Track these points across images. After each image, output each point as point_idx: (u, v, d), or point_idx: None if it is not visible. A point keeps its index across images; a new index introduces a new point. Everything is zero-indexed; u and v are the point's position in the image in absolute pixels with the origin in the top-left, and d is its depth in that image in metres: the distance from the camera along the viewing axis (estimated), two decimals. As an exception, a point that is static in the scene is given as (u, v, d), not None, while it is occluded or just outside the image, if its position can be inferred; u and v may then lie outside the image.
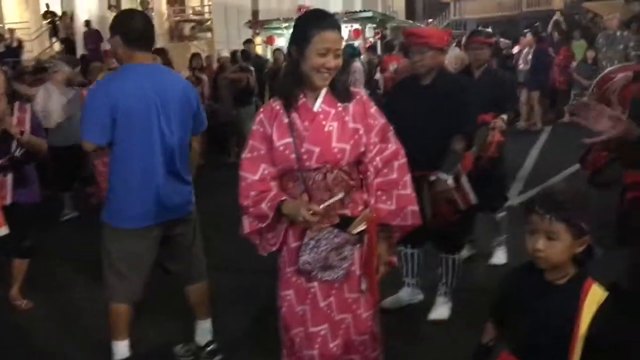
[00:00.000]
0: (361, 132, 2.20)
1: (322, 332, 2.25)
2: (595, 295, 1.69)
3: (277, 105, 2.24)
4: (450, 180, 3.26)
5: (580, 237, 1.70)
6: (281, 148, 2.19)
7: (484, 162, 4.05)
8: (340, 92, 2.23)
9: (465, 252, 4.53)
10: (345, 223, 2.20)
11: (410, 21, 22.81)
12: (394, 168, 2.25)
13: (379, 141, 2.24)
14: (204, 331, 3.12)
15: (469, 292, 3.81)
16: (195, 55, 9.41)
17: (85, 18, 14.73)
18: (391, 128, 2.30)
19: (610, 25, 8.90)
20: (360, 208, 2.23)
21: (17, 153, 3.76)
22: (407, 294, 3.81)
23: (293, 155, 2.16)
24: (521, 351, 1.78)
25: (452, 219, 3.39)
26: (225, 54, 9.86)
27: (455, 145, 3.29)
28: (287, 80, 2.24)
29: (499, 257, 4.44)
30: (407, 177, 2.28)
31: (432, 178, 3.29)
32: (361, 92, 2.31)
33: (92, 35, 14.12)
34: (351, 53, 9.13)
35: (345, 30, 16.77)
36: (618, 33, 8.72)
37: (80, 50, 14.29)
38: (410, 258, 3.72)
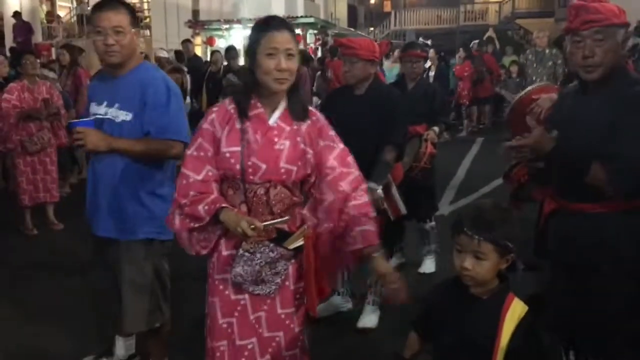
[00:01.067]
0: (309, 155, 2.14)
1: (249, 347, 2.19)
2: (516, 310, 1.73)
3: (231, 108, 2.15)
4: (379, 190, 3.28)
5: (505, 255, 1.74)
6: (227, 155, 2.11)
7: (416, 173, 4.13)
8: (297, 109, 2.16)
9: (394, 261, 4.59)
10: (282, 238, 2.15)
11: (352, 29, 23.04)
12: (357, 191, 2.19)
13: (339, 165, 2.18)
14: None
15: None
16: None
17: (15, 10, 14.14)
18: (350, 154, 2.23)
19: (540, 43, 9.26)
20: (298, 224, 2.19)
21: None
22: (338, 302, 3.83)
23: (238, 166, 2.09)
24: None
25: (380, 228, 3.40)
26: (164, 53, 9.61)
27: (386, 155, 3.32)
28: (242, 88, 2.19)
29: (428, 266, 4.51)
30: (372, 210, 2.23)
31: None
32: (317, 113, 2.24)
33: (22, 27, 13.57)
34: (306, 58, 9.11)
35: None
36: (547, 51, 9.10)
37: (9, 43, 13.69)
38: None
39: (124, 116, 2.59)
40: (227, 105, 2.16)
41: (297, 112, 2.16)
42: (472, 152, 9.52)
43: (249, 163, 2.09)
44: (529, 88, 3.61)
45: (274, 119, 2.14)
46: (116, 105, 2.60)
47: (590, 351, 2.37)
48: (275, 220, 2.09)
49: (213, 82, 8.84)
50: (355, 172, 2.21)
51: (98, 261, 2.82)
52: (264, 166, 2.09)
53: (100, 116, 2.62)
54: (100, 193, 2.64)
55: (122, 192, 2.61)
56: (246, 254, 2.10)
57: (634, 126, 2.09)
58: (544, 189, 2.49)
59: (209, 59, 11.14)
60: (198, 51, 13.03)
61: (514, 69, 10.56)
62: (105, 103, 2.63)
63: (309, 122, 2.18)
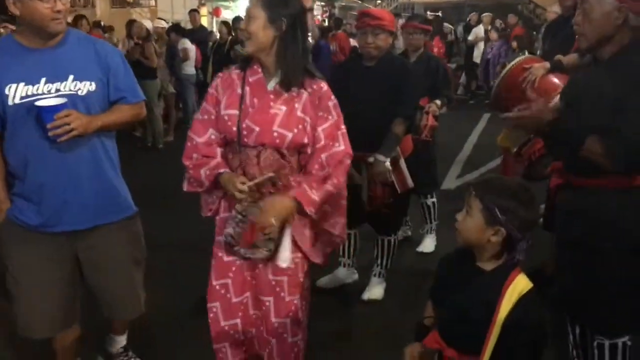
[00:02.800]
0: (307, 123, 2.15)
1: (244, 301, 2.29)
2: (518, 286, 1.72)
3: (234, 74, 2.24)
4: (387, 163, 3.28)
5: (492, 225, 1.72)
6: (226, 117, 2.18)
7: (417, 145, 4.11)
8: (287, 78, 2.16)
9: (401, 234, 4.61)
10: None
11: (359, 1, 22.75)
12: (340, 171, 2.21)
13: (326, 137, 2.18)
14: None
15: (401, 275, 3.88)
16: (133, 23, 8.75)
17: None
18: (343, 127, 2.24)
19: (551, 18, 9.12)
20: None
21: None
22: (343, 274, 3.85)
23: (235, 129, 2.16)
24: (447, 332, 1.81)
25: (387, 201, 3.42)
26: (162, 23, 9.44)
27: (395, 128, 3.30)
28: (248, 57, 2.23)
29: (428, 245, 4.48)
30: (342, 180, 2.26)
31: (371, 160, 3.31)
32: (323, 81, 2.24)
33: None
34: (322, 31, 8.98)
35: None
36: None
37: None
38: (347, 238, 3.74)
39: (88, 87, 2.28)
40: (232, 71, 2.25)
41: (286, 81, 2.16)
42: (478, 127, 9.47)
43: (244, 125, 2.15)
44: (518, 58, 3.58)
45: (272, 85, 2.19)
46: (70, 77, 2.24)
47: (593, 327, 2.39)
48: (261, 178, 2.12)
49: (219, 54, 8.77)
50: (340, 146, 2.20)
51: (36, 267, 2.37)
52: (257, 129, 2.15)
53: (55, 94, 2.22)
54: (75, 184, 2.29)
55: (105, 172, 2.38)
56: (238, 215, 2.16)
57: (634, 100, 2.06)
58: (557, 163, 2.47)
59: (214, 29, 11.04)
60: (203, 22, 12.92)
61: (514, 43, 10.47)
62: (44, 80, 2.21)
63: (310, 90, 2.18)
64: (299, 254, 2.26)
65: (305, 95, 2.17)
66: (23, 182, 2.29)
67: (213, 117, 2.22)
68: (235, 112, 2.16)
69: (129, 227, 2.48)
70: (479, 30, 12.40)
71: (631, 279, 2.23)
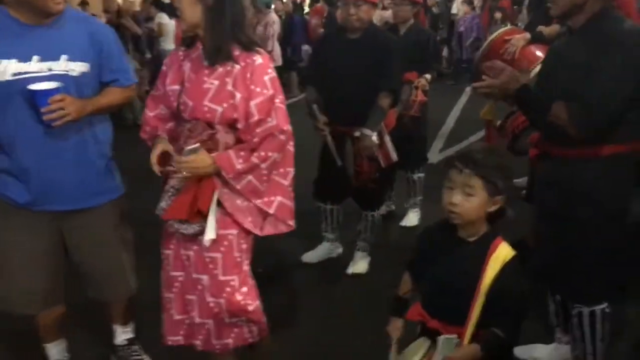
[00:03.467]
0: (237, 97, 2.10)
1: (179, 279, 2.28)
2: (501, 254, 1.74)
3: (181, 51, 2.26)
4: (374, 137, 3.27)
5: (494, 196, 1.75)
6: (169, 93, 2.22)
7: (405, 121, 4.09)
8: (221, 49, 2.11)
9: (384, 209, 4.62)
10: None
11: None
12: (270, 145, 2.13)
13: (259, 112, 2.11)
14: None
15: (385, 249, 3.90)
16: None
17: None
18: (278, 101, 2.15)
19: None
20: None
21: None
22: (327, 248, 3.87)
23: (175, 104, 2.19)
24: (430, 304, 1.84)
25: (373, 176, 3.42)
26: None
27: (381, 101, 3.29)
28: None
29: (411, 219, 4.49)
30: (288, 170, 2.22)
31: (357, 134, 3.30)
32: (260, 55, 2.15)
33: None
34: (265, 2, 8.87)
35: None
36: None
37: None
38: (330, 214, 3.75)
39: (81, 67, 2.23)
40: (181, 49, 2.27)
41: (210, 55, 2.13)
42: (461, 100, 9.49)
43: (181, 100, 2.18)
44: (499, 30, 3.58)
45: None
46: (62, 57, 2.19)
47: (571, 296, 2.44)
48: (188, 148, 2.08)
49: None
50: (272, 121, 2.13)
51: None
52: (191, 103, 2.15)
53: (44, 73, 2.17)
54: (63, 166, 2.26)
55: (92, 155, 2.34)
56: (171, 189, 2.18)
57: (602, 66, 2.08)
58: (535, 135, 2.49)
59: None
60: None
61: (498, 15, 10.47)
62: (37, 58, 2.16)
63: (243, 64, 2.12)
64: (234, 230, 2.19)
65: (237, 69, 2.12)
66: (10, 159, 2.25)
67: (162, 92, 2.27)
68: (177, 87, 2.19)
69: (115, 208, 2.45)
70: (459, 4, 12.32)
71: (606, 248, 2.27)
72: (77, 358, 2.68)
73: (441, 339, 1.75)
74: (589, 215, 2.23)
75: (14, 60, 2.15)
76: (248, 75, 2.11)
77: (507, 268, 1.73)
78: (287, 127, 2.17)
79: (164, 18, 8.51)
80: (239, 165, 2.10)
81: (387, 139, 3.45)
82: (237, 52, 2.13)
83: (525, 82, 2.23)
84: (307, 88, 3.61)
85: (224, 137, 2.15)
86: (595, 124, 2.11)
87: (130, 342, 2.73)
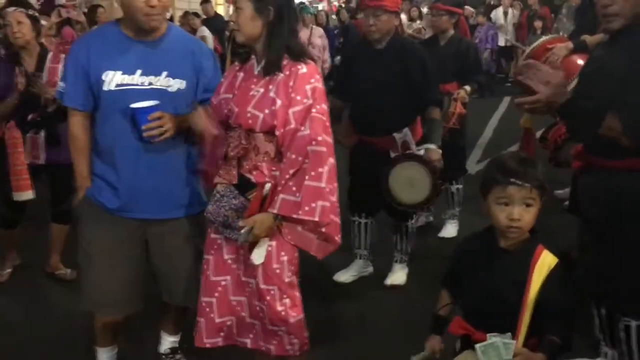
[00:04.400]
0: (278, 104, 2.11)
1: (222, 283, 2.28)
2: (545, 261, 1.73)
3: (237, 65, 2.32)
4: (439, 150, 3.33)
5: (543, 197, 1.76)
6: (222, 102, 2.26)
7: (444, 133, 4.05)
8: (276, 61, 2.16)
9: (423, 219, 4.59)
10: (244, 187, 2.19)
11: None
12: (307, 155, 2.09)
13: (295, 121, 2.10)
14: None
15: (422, 260, 3.87)
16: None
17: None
18: (313, 111, 2.12)
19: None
20: (266, 179, 2.18)
21: (49, 108, 3.43)
22: (359, 266, 3.77)
23: (225, 111, 2.23)
24: (473, 317, 1.82)
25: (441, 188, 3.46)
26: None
27: (432, 115, 3.36)
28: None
29: (450, 230, 4.45)
30: (322, 169, 2.10)
31: (421, 151, 3.31)
32: (306, 64, 2.16)
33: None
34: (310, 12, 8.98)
35: (310, -8, 16.65)
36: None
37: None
38: (364, 228, 3.69)
39: (179, 84, 2.33)
40: (236, 63, 2.33)
41: (266, 67, 2.17)
42: (499, 110, 9.39)
43: (229, 107, 2.22)
44: (542, 39, 3.52)
45: (258, 68, 2.23)
46: (164, 73, 2.30)
47: (620, 308, 2.37)
48: (241, 234, 2.13)
49: (236, 42, 8.75)
50: (305, 131, 2.10)
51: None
52: (236, 110, 2.19)
53: (145, 87, 2.29)
54: (154, 177, 2.36)
55: (184, 169, 2.43)
56: (217, 194, 2.23)
57: None
58: (578, 147, 2.44)
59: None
60: (219, 10, 12.91)
61: (538, 24, 10.33)
62: (139, 71, 2.28)
63: (287, 73, 2.15)
64: (273, 242, 2.19)
65: (280, 76, 2.15)
66: (107, 166, 2.37)
67: (214, 104, 2.31)
68: (229, 95, 2.24)
69: (197, 220, 2.50)
70: (499, 13, 12.22)
71: None
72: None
73: (498, 341, 1.69)
74: (637, 226, 2.17)
75: (119, 72, 2.28)
76: (291, 83, 2.13)
77: (553, 275, 1.72)
78: (322, 138, 2.11)
79: (205, 31, 8.70)
80: (297, 198, 2.09)
81: (414, 149, 3.39)
82: (285, 62, 2.16)
83: (570, 96, 2.15)
84: (331, 99, 3.65)
85: (264, 145, 2.17)
86: None
87: (174, 351, 2.77)
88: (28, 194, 3.47)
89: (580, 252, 2.46)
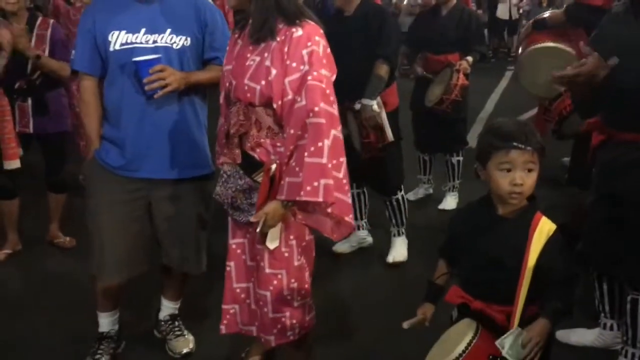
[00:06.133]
0: (273, 73, 1.96)
1: (227, 269, 2.24)
2: (544, 228, 1.71)
3: (236, 32, 2.16)
4: (375, 106, 3.20)
5: (542, 159, 1.74)
6: (225, 74, 2.15)
7: (446, 105, 4.03)
8: (263, 25, 1.99)
9: (422, 191, 4.59)
10: (250, 166, 2.07)
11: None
12: (306, 129, 1.91)
13: (292, 90, 1.94)
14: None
15: (422, 232, 3.87)
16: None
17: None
18: (309, 78, 1.92)
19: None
20: (272, 157, 2.04)
21: (35, 76, 3.42)
22: (358, 237, 3.79)
23: (227, 84, 2.13)
24: (471, 286, 1.81)
25: (377, 149, 3.31)
26: None
27: (376, 69, 3.24)
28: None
29: (449, 202, 4.44)
30: (322, 143, 1.90)
31: (357, 106, 3.24)
32: (301, 27, 1.97)
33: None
34: None
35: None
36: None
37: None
38: (357, 198, 3.69)
39: (184, 41, 2.36)
40: (236, 30, 2.18)
41: (252, 31, 2.02)
42: (501, 85, 9.32)
43: (229, 80, 2.10)
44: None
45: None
46: (168, 30, 2.33)
47: (630, 282, 2.36)
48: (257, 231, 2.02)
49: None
50: (302, 101, 1.92)
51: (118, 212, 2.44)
52: (234, 82, 2.07)
53: (149, 45, 2.31)
54: (160, 135, 2.37)
55: (190, 128, 2.43)
56: (224, 175, 2.13)
57: None
58: (594, 120, 2.39)
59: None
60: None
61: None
62: (143, 30, 2.32)
63: (281, 38, 1.97)
64: (282, 225, 2.07)
65: (274, 44, 1.98)
66: (112, 126, 2.42)
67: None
68: (229, 67, 2.12)
69: (203, 186, 2.50)
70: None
71: None
72: (121, 330, 2.73)
73: (508, 340, 1.65)
74: None
75: (123, 32, 2.32)
76: (285, 49, 1.95)
77: (552, 241, 1.70)
78: (319, 108, 1.90)
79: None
80: (300, 178, 1.91)
81: (385, 117, 3.31)
82: (280, 26, 1.99)
83: (608, 71, 2.07)
84: None
85: (266, 120, 2.03)
86: None
87: (173, 317, 2.79)
88: (16, 163, 3.45)
89: (583, 224, 2.45)
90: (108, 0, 2.42)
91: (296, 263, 2.13)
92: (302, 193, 1.89)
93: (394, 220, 3.65)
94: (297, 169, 1.91)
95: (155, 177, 2.42)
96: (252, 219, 2.03)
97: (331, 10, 9.30)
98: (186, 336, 2.76)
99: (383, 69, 3.24)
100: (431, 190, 4.67)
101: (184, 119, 2.41)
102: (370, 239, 3.84)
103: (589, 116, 2.42)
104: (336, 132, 1.95)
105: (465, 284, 1.84)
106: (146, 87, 2.25)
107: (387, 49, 3.25)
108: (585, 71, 2.07)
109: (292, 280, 2.13)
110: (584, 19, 3.15)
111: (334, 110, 1.97)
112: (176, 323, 2.78)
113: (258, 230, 2.00)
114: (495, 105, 7.99)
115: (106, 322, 2.65)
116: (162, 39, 2.34)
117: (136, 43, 2.32)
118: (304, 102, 1.91)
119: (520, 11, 11.48)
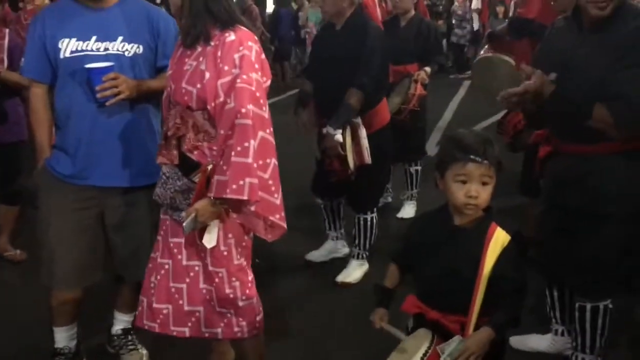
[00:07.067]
0: (206, 77, 2.01)
1: (165, 267, 2.24)
2: (499, 239, 1.74)
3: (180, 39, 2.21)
4: (338, 136, 3.07)
5: (499, 172, 1.77)
6: (168, 78, 2.19)
7: (405, 115, 4.08)
8: (193, 29, 2.05)
9: (381, 200, 4.59)
10: (187, 167, 2.09)
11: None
12: (235, 129, 1.95)
13: (224, 93, 1.98)
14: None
15: (381, 240, 3.83)
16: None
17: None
18: (238, 81, 1.96)
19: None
20: (208, 159, 2.07)
21: None
22: (331, 247, 3.76)
23: (168, 88, 2.17)
24: (428, 295, 1.82)
25: (344, 175, 3.23)
26: None
27: (348, 97, 3.10)
28: None
29: (408, 210, 4.47)
30: (248, 143, 1.93)
31: (323, 131, 3.17)
32: (234, 31, 2.02)
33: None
34: None
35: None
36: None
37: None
38: (330, 210, 3.67)
39: (136, 49, 2.35)
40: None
41: (184, 34, 2.08)
42: (459, 94, 9.49)
43: (170, 83, 2.16)
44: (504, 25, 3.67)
45: None
46: (119, 38, 2.32)
47: (578, 290, 2.42)
48: (185, 225, 2.02)
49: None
50: (230, 103, 1.96)
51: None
52: (173, 86, 2.12)
53: (100, 53, 2.30)
54: (111, 143, 2.34)
55: (142, 136, 2.39)
56: (163, 176, 2.15)
57: (634, 64, 2.04)
58: (541, 132, 2.45)
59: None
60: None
61: (500, 9, 10.45)
62: (94, 37, 2.31)
63: (215, 43, 2.03)
64: (220, 225, 2.10)
65: (209, 48, 2.04)
66: (63, 133, 2.38)
67: None
68: (170, 71, 2.17)
69: (152, 192, 2.44)
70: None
71: (623, 244, 2.25)
72: (79, 346, 2.64)
73: (449, 347, 1.68)
74: (613, 211, 2.19)
75: (74, 39, 2.30)
76: (219, 53, 2.01)
77: (507, 252, 1.73)
78: (246, 110, 1.93)
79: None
80: (225, 178, 1.94)
81: (363, 136, 3.21)
82: (215, 32, 2.05)
83: (554, 87, 2.13)
84: (303, 81, 3.59)
85: (203, 123, 2.07)
86: (638, 124, 2.06)
87: (126, 332, 2.72)
88: None
89: (538, 233, 2.51)
90: (58, 7, 2.41)
91: (236, 262, 2.17)
92: (228, 191, 1.93)
93: (356, 240, 3.54)
94: (224, 167, 1.96)
95: (107, 185, 2.38)
96: (182, 214, 2.05)
97: (286, 22, 9.31)
98: (139, 350, 2.70)
99: (354, 98, 3.11)
100: (390, 199, 4.71)
101: (136, 127, 2.38)
102: (346, 250, 3.77)
103: (540, 128, 2.49)
104: (264, 133, 1.99)
105: (421, 293, 1.86)
106: (98, 95, 2.23)
107: (363, 77, 3.13)
108: (531, 89, 2.13)
109: (233, 279, 2.16)
110: (524, 30, 3.37)
111: (264, 112, 2.01)
112: (129, 337, 2.72)
113: (184, 224, 2.01)
114: (454, 114, 8.13)
115: (62, 337, 2.57)
116: (113, 46, 2.32)
117: (87, 50, 2.30)
118: (232, 104, 1.95)
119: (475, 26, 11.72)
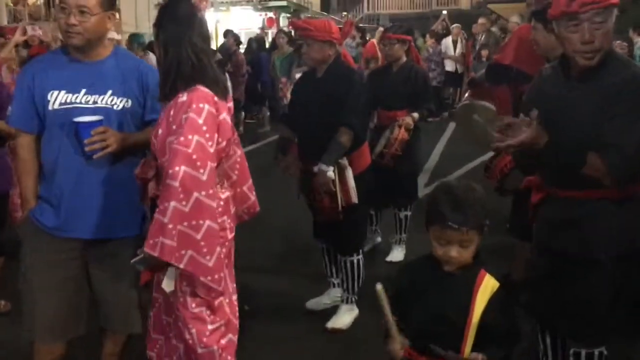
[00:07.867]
0: (159, 132, 2.12)
1: (159, 300, 2.32)
2: (488, 286, 1.75)
3: None
4: (330, 172, 3.15)
5: (483, 233, 1.77)
6: None
7: (387, 159, 4.12)
8: (163, 88, 2.16)
9: (369, 242, 4.57)
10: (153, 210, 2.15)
11: (325, 13, 22.87)
12: (167, 194, 1.98)
13: (169, 151, 2.04)
14: None
15: (369, 283, 3.81)
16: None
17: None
18: (175, 142, 2.00)
19: (513, 28, 9.33)
20: None
21: None
22: (335, 294, 3.68)
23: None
24: (418, 339, 1.81)
25: (334, 213, 3.26)
26: (115, 35, 9.23)
27: (339, 136, 3.18)
28: None
29: (396, 254, 4.45)
30: (168, 204, 1.95)
31: (315, 169, 3.21)
32: (188, 92, 2.08)
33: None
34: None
35: (260, 18, 16.72)
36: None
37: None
38: (327, 253, 3.64)
39: (124, 103, 2.36)
40: None
41: (173, 87, 2.13)
42: (445, 135, 9.58)
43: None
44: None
45: None
46: (109, 91, 2.33)
47: (573, 337, 2.38)
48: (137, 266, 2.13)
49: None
50: (165, 163, 2.04)
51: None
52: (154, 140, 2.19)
53: (89, 106, 2.31)
54: (95, 195, 2.34)
55: (127, 188, 2.36)
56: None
57: (624, 113, 2.06)
58: (532, 177, 2.45)
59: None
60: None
61: (485, 52, 10.65)
62: (84, 90, 2.31)
63: (172, 101, 2.12)
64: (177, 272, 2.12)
65: (169, 104, 2.14)
66: (49, 184, 2.37)
67: None
68: None
69: (136, 243, 2.39)
70: (448, 42, 12.50)
71: (618, 290, 2.23)
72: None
73: None
74: (605, 256, 2.19)
75: (63, 91, 2.31)
76: (171, 112, 2.09)
77: (496, 299, 1.73)
78: (173, 171, 1.94)
79: (153, 59, 8.63)
80: (155, 239, 1.98)
81: (350, 176, 3.27)
82: (180, 89, 2.12)
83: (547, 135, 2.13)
84: (281, 127, 3.63)
85: (162, 174, 2.13)
86: (635, 172, 2.09)
87: None
88: None
89: (528, 277, 2.49)
90: (49, 58, 2.43)
91: (193, 311, 2.17)
92: (145, 244, 1.99)
93: (345, 285, 3.50)
94: (152, 222, 2.01)
95: (91, 237, 2.35)
96: (137, 252, 2.08)
97: (265, 65, 9.44)
98: None
99: (345, 136, 3.19)
100: (379, 239, 4.69)
101: (122, 180, 2.36)
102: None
103: (529, 171, 2.51)
104: (200, 195, 1.98)
105: (411, 338, 1.84)
106: (87, 148, 2.23)
107: (352, 117, 3.20)
108: (525, 140, 2.13)
109: (190, 326, 2.16)
110: (501, 77, 3.43)
111: (201, 174, 1.99)
112: None
113: (133, 261, 2.08)
114: (441, 155, 8.19)
115: None
116: (102, 100, 2.33)
117: (76, 103, 2.31)
118: (166, 164, 2.02)
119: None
